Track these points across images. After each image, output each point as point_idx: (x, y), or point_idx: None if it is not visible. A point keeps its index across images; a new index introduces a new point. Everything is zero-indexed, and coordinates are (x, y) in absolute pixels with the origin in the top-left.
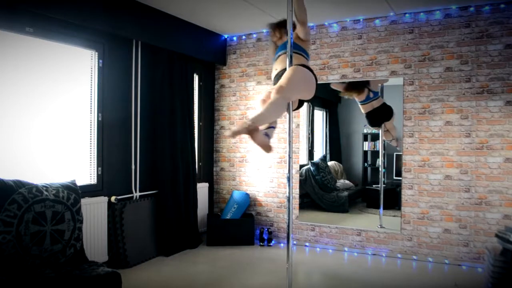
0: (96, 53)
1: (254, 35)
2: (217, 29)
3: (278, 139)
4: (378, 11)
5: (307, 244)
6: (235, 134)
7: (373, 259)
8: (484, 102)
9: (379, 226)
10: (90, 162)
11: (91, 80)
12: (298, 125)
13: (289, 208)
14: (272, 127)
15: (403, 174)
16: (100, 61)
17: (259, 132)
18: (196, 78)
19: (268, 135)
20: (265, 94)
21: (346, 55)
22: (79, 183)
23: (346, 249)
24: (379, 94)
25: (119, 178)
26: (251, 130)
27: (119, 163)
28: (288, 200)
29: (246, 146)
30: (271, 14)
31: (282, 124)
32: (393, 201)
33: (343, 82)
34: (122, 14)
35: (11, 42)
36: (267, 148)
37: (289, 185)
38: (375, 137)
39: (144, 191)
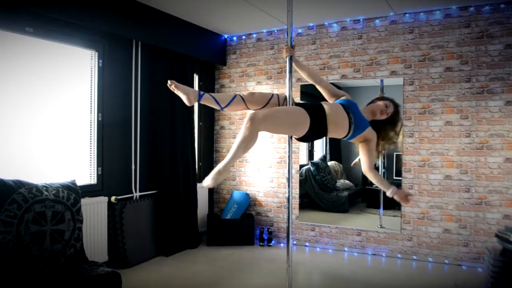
0: (96, 53)
1: (254, 35)
2: (217, 29)
3: (278, 139)
4: (378, 11)
5: (307, 244)
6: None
7: (373, 259)
8: (484, 102)
9: (379, 226)
10: (90, 162)
11: (91, 80)
12: None
13: (289, 208)
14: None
15: (403, 174)
16: (100, 61)
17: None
18: (196, 78)
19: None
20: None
21: (346, 55)
22: (79, 183)
23: (346, 249)
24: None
25: (119, 178)
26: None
27: (119, 163)
28: (288, 200)
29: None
30: (271, 14)
31: None
32: (393, 201)
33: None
34: (122, 14)
35: (11, 42)
36: None
37: (289, 185)
38: None
39: (144, 191)
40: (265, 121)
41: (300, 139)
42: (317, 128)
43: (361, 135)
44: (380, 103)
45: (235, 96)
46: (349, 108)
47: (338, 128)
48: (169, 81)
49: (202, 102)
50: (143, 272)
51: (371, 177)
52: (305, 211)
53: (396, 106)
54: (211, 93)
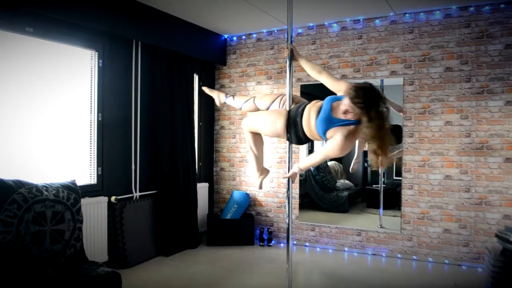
0: (96, 53)
1: (254, 35)
2: (217, 29)
3: (278, 139)
4: (378, 11)
5: (307, 244)
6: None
7: (373, 259)
8: (484, 102)
9: (379, 226)
10: (90, 162)
11: (91, 80)
12: None
13: (289, 208)
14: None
15: (403, 174)
16: (100, 61)
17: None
18: (196, 78)
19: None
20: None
21: (346, 55)
22: (79, 183)
23: (346, 249)
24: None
25: (119, 178)
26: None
27: (119, 163)
28: (288, 200)
29: (246, 146)
30: (271, 14)
31: None
32: (393, 201)
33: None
34: (122, 14)
35: (11, 42)
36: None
37: (289, 185)
38: None
39: (144, 191)
40: (248, 123)
41: (291, 142)
42: (294, 131)
43: (329, 135)
44: (341, 105)
45: (249, 98)
46: (321, 107)
47: (311, 131)
48: (203, 87)
49: (226, 102)
50: (143, 272)
51: (309, 158)
52: (305, 211)
53: (353, 94)
54: (232, 95)
